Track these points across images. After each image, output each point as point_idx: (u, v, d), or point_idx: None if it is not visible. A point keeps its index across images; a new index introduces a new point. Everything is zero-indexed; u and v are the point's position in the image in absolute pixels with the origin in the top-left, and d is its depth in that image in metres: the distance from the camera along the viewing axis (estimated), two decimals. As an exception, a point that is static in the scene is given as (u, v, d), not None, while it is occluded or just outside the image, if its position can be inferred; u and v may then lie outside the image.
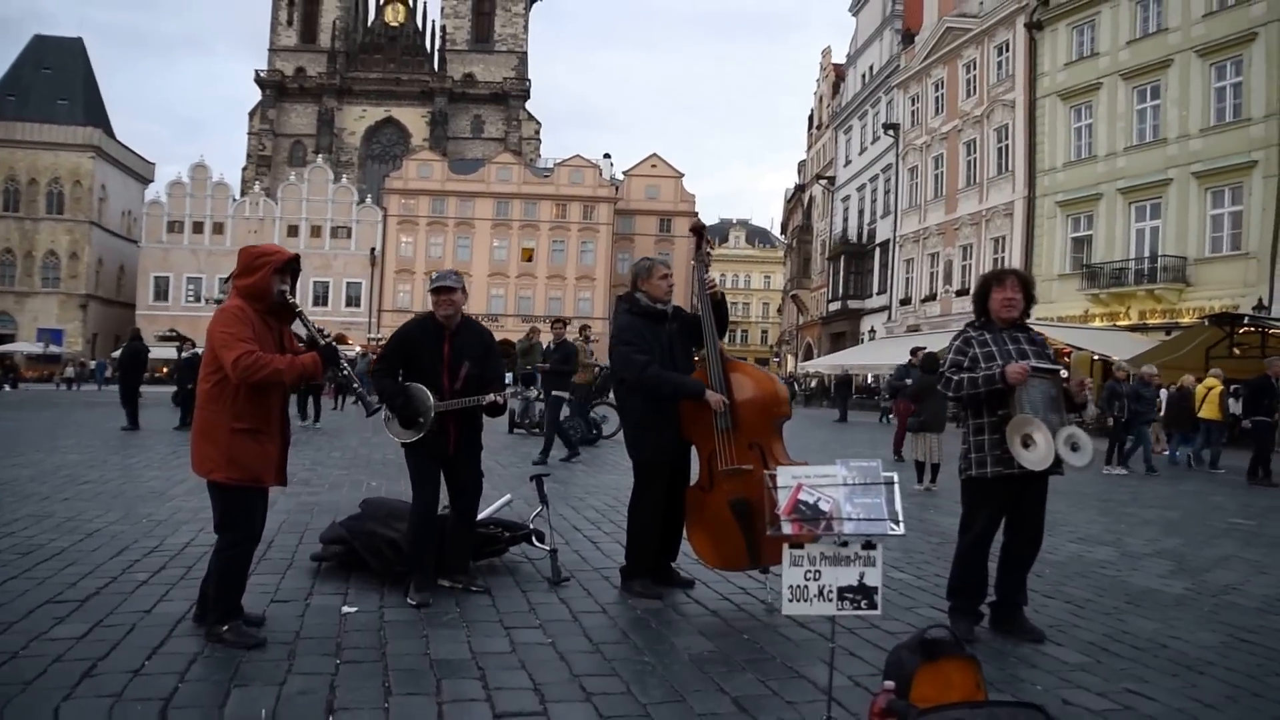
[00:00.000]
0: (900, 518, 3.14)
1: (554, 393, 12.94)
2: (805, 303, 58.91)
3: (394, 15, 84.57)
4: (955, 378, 4.51)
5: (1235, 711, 3.67)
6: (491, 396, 4.99)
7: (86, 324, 64.79)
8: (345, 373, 4.40)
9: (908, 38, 40.90)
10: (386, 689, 3.59)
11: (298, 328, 4.43)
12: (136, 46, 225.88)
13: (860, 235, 46.89)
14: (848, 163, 49.62)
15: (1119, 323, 27.66)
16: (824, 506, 3.08)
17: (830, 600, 3.08)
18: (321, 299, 62.29)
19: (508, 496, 6.67)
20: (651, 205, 69.67)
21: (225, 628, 4.07)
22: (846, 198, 49.58)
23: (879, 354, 36.20)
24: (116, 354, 32.42)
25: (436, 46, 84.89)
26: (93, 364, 52.66)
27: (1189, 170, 26.52)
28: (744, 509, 4.83)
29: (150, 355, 18.93)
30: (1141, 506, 10.33)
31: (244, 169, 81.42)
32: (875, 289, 44.65)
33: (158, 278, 64.30)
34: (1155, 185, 27.53)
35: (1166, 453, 17.44)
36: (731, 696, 3.58)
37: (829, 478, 3.13)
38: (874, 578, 3.08)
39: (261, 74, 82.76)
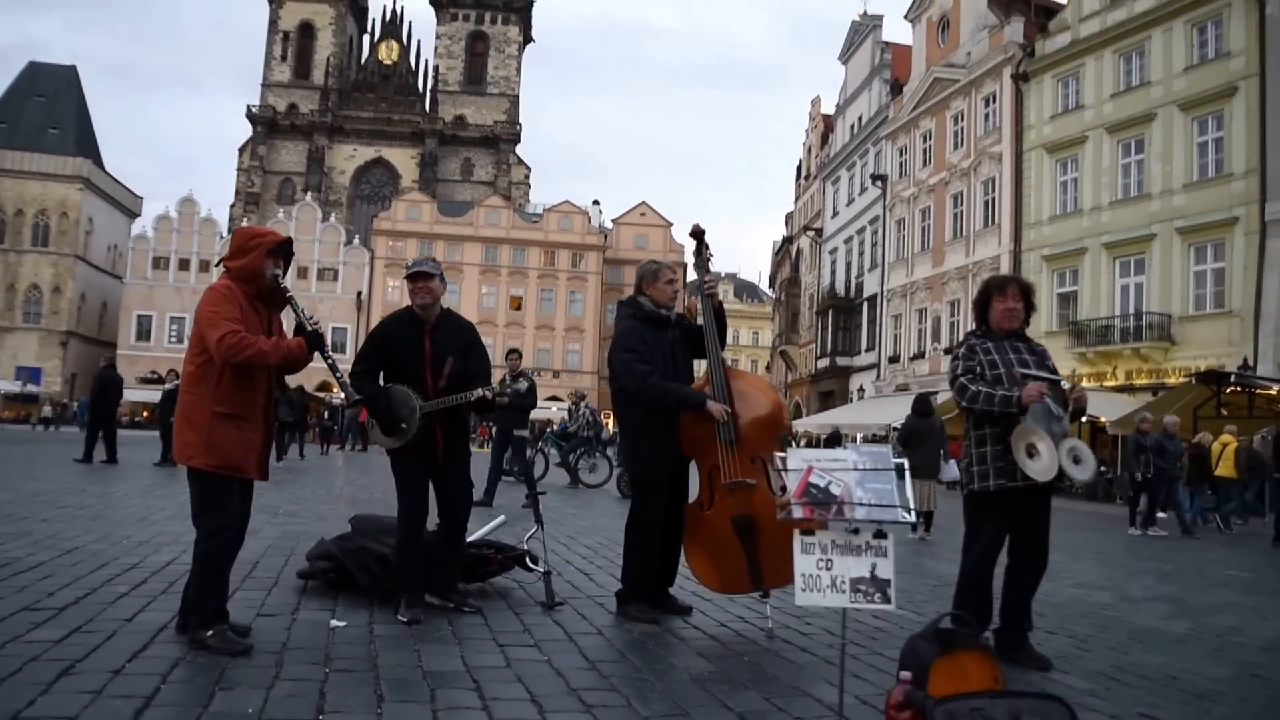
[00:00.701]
0: (911, 506, 3.10)
1: (516, 433, 12.49)
2: (794, 359, 58.91)
3: (388, 54, 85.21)
4: (972, 388, 4.44)
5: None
6: (480, 391, 4.76)
7: (66, 362, 62.82)
8: (330, 360, 4.24)
9: (896, 88, 41.37)
10: (379, 696, 3.45)
11: (287, 316, 4.33)
12: (127, 81, 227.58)
13: (848, 289, 46.88)
14: (835, 214, 49.93)
15: (1106, 383, 27.61)
16: (835, 490, 3.02)
17: (843, 591, 3.04)
18: (308, 344, 61.21)
19: (501, 517, 6.52)
20: (641, 254, 69.30)
21: (209, 632, 3.92)
22: (834, 250, 49.80)
23: (868, 414, 36.11)
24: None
25: (429, 87, 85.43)
26: (75, 405, 51.19)
27: (1172, 226, 26.69)
28: (747, 525, 4.71)
29: (129, 397, 18.67)
30: (1138, 559, 10.25)
31: (232, 206, 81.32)
32: (864, 345, 44.51)
33: (140, 316, 62.93)
34: (1139, 240, 27.70)
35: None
36: (736, 712, 3.45)
37: (840, 462, 3.08)
38: (886, 569, 3.03)
39: (254, 109, 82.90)
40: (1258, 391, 21.96)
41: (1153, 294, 27.21)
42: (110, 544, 6.77)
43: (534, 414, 16.58)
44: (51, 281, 63.19)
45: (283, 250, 4.20)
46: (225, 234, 65.64)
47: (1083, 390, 4.63)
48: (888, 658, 4.44)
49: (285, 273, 4.24)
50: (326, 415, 28.27)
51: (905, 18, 40.27)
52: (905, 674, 2.53)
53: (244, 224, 67.72)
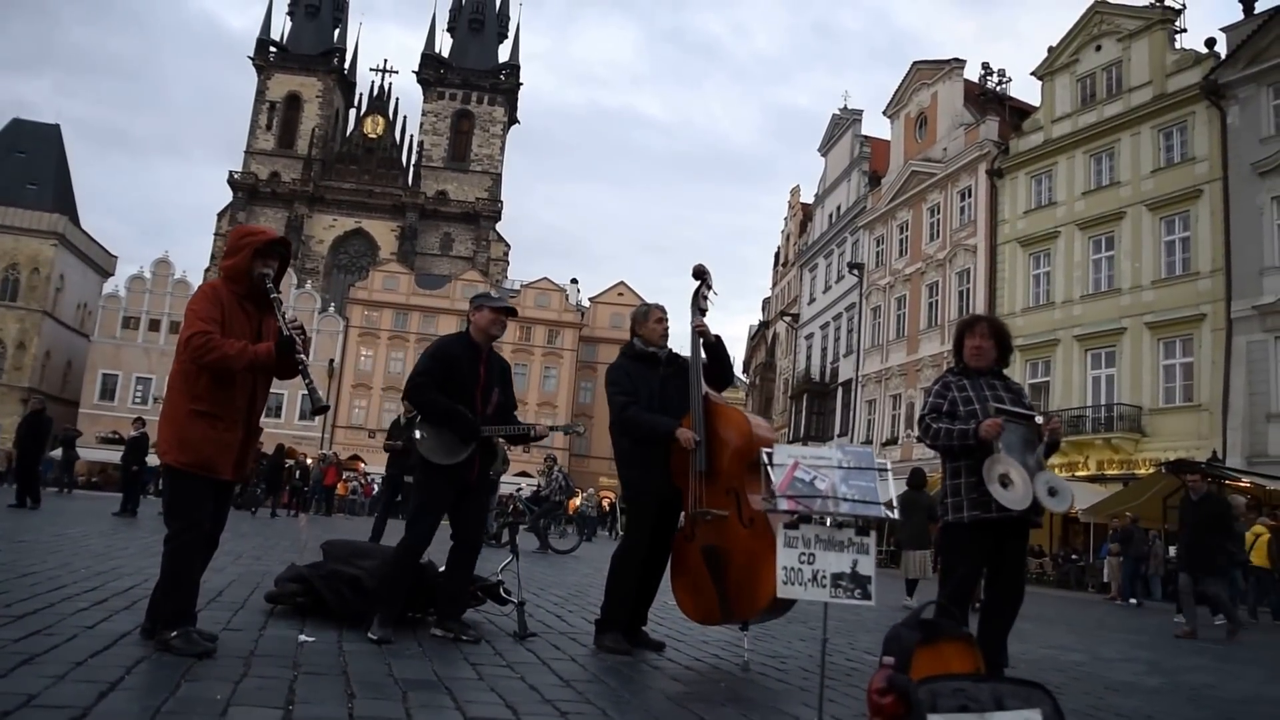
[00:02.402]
0: (895, 505, 3.11)
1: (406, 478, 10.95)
2: (766, 441, 58.78)
3: (373, 128, 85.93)
4: (934, 426, 4.49)
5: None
6: (542, 425, 4.98)
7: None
8: (302, 366, 4.11)
9: (874, 180, 42.31)
10: (350, 694, 3.36)
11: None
12: (112, 145, 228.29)
13: (823, 374, 47.16)
14: (812, 300, 50.51)
15: (1078, 473, 27.80)
16: (820, 485, 3.03)
17: (824, 586, 3.04)
18: (275, 410, 59.31)
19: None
20: (617, 334, 69.21)
21: (174, 634, 3.79)
22: (810, 335, 50.25)
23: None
24: (56, 453, 29.63)
25: (412, 161, 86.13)
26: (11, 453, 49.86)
27: (1142, 321, 27.28)
28: (714, 557, 4.68)
29: (89, 457, 18.13)
30: (1109, 630, 10.22)
31: (206, 270, 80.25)
32: (837, 430, 44.56)
33: (106, 375, 61.58)
34: (1110, 334, 28.25)
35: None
36: (714, 722, 3.40)
37: (824, 459, 3.10)
38: (867, 566, 3.04)
39: (235, 175, 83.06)
40: (1227, 484, 22.21)
41: (1123, 386, 27.65)
42: (68, 571, 6.52)
43: (502, 489, 16.49)
44: (16, 337, 61.49)
45: (274, 250, 4.16)
46: None
47: (1058, 423, 4.67)
48: (864, 690, 4.38)
49: (281, 275, 4.21)
50: (298, 475, 27.80)
51: (884, 114, 41.38)
52: (888, 659, 2.51)
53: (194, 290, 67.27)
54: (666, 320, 5.32)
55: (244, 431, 4.11)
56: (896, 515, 11.32)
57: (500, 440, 5.22)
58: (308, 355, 4.13)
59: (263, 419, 4.33)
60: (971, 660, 2.66)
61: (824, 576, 3.04)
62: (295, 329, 4.05)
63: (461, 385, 4.85)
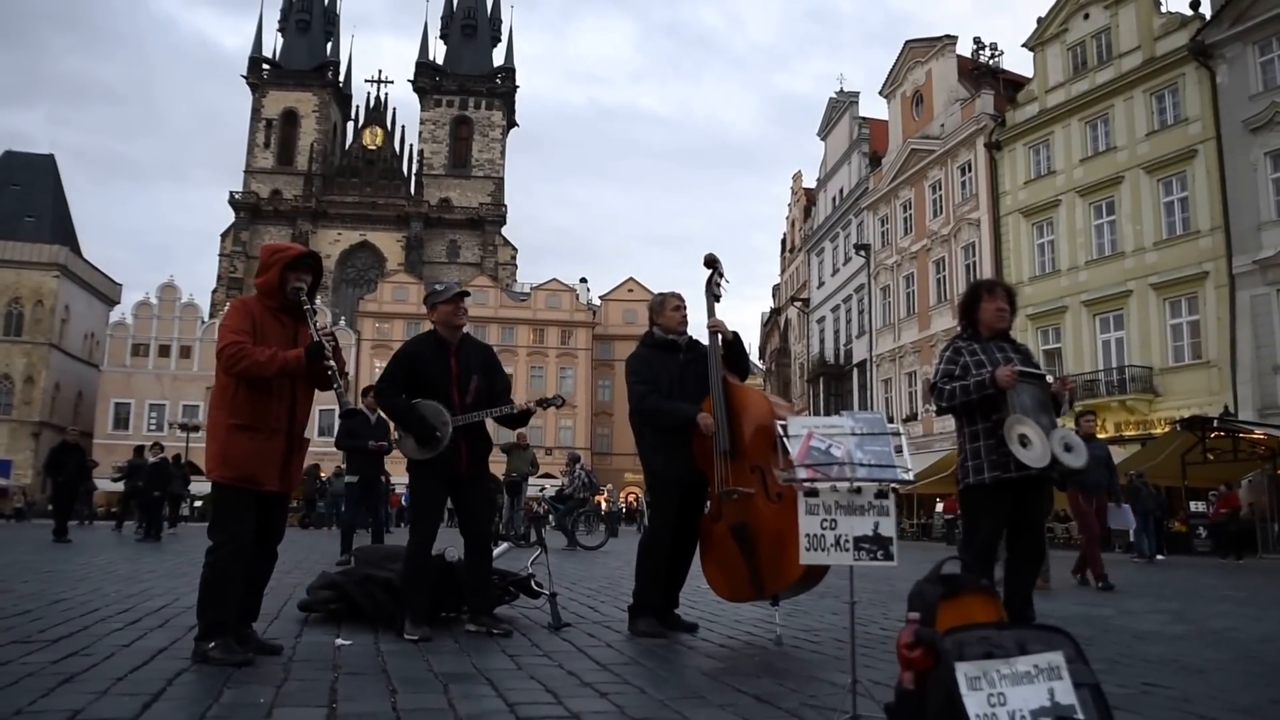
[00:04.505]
0: (910, 468, 3.20)
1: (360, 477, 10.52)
2: (786, 428, 58.77)
3: (372, 139, 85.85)
4: (947, 387, 4.54)
5: (1253, 692, 3.73)
6: (526, 403, 4.96)
7: (39, 454, 58.52)
8: (331, 370, 4.16)
9: (875, 160, 42.28)
10: (391, 690, 3.42)
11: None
12: (109, 171, 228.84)
13: (837, 356, 47.26)
14: (821, 284, 50.53)
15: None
16: (836, 452, 3.10)
17: (847, 550, 3.11)
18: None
19: (505, 545, 6.49)
20: (630, 330, 68.99)
21: (211, 644, 3.86)
22: (821, 319, 50.29)
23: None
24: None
25: (413, 171, 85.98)
26: (41, 491, 49.45)
27: (1147, 282, 27.40)
28: (743, 533, 4.74)
29: (105, 488, 18.11)
30: (1137, 586, 10.25)
31: (214, 291, 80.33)
32: (856, 410, 44.46)
33: (118, 404, 61.06)
34: (1117, 297, 28.33)
35: None
36: (750, 694, 3.45)
37: (838, 428, 3.18)
38: (888, 528, 3.11)
39: (236, 195, 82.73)
40: (1241, 436, 22.28)
41: (1133, 348, 27.76)
42: (99, 596, 6.56)
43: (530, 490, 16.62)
44: (24, 371, 60.73)
45: (304, 264, 4.25)
46: (207, 319, 64.36)
47: (1072, 382, 4.74)
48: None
49: (316, 288, 4.30)
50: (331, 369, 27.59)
51: (880, 94, 41.35)
52: (913, 614, 2.57)
53: (226, 307, 67.50)
54: (684, 307, 5.35)
55: (286, 442, 4.18)
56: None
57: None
58: (341, 363, 4.21)
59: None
60: (994, 610, 2.72)
61: (846, 540, 3.12)
62: (326, 335, 4.13)
63: (431, 382, 4.91)
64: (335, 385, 4.19)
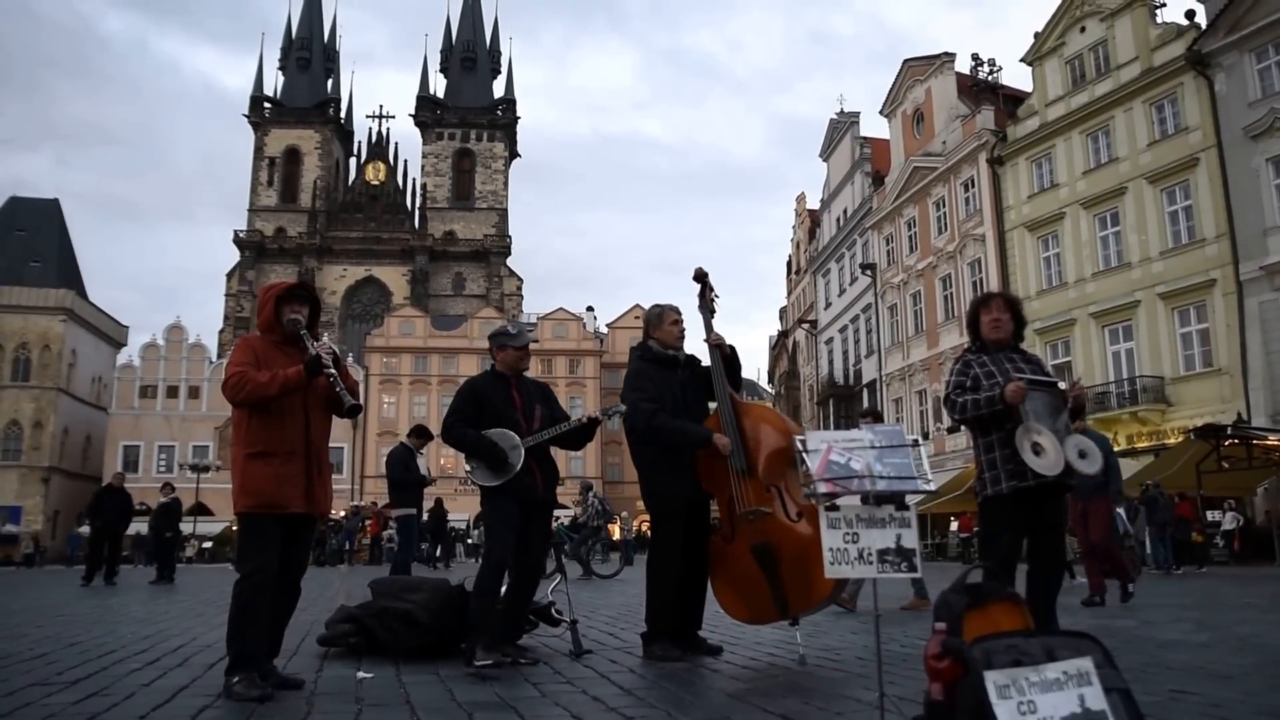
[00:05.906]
0: (930, 476, 3.21)
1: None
2: (797, 449, 58.56)
3: (375, 174, 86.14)
4: (960, 400, 4.54)
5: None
6: (593, 413, 5.09)
7: (48, 499, 59.30)
8: (332, 379, 4.18)
9: (877, 179, 42.38)
10: (417, 718, 3.42)
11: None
12: (114, 214, 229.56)
13: (847, 377, 47.15)
14: (828, 305, 50.52)
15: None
16: (856, 466, 3.11)
17: (870, 563, 3.11)
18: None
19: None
20: (637, 358, 69.57)
21: (235, 679, 3.88)
22: (830, 340, 50.23)
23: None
24: (83, 529, 29.96)
25: (417, 204, 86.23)
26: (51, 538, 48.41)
27: (1155, 292, 27.36)
28: (766, 554, 4.72)
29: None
30: (1157, 598, 10.19)
31: (221, 331, 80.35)
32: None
33: (127, 446, 60.44)
34: (1125, 308, 28.28)
35: None
36: (777, 714, 3.44)
37: (857, 441, 3.19)
38: (910, 539, 3.12)
39: (240, 234, 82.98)
40: (1255, 443, 22.15)
41: (1143, 358, 27.69)
42: (115, 638, 6.52)
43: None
44: (33, 417, 59.98)
45: (296, 296, 4.33)
46: (215, 359, 64.09)
47: (1082, 388, 4.73)
48: (921, 673, 4.42)
49: (315, 319, 4.35)
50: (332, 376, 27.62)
51: (881, 113, 41.54)
52: (940, 625, 2.56)
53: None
54: (682, 321, 5.33)
55: (304, 464, 4.18)
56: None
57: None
58: (345, 373, 4.26)
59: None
60: (1020, 618, 2.72)
61: (870, 553, 3.13)
62: (323, 348, 4.18)
63: (497, 412, 4.98)
64: (336, 389, 4.18)
